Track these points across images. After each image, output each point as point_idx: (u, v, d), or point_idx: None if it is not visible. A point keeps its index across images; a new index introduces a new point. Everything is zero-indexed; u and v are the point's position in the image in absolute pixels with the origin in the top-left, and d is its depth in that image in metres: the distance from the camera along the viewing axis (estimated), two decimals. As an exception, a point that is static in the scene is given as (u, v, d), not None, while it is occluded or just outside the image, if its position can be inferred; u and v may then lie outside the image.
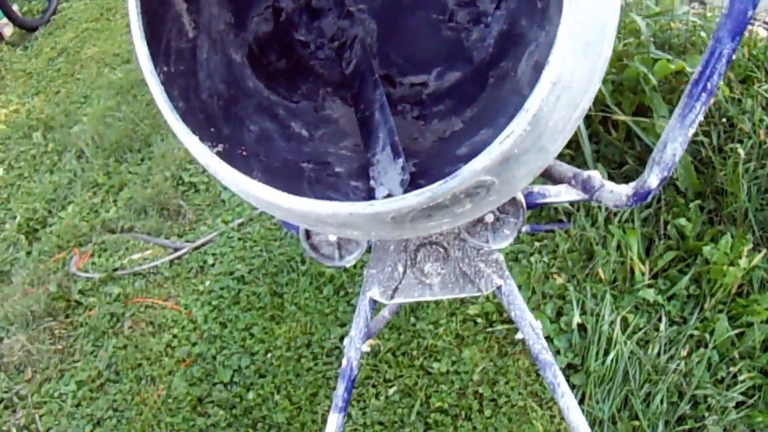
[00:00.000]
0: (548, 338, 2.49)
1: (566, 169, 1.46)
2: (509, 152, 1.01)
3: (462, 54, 1.72)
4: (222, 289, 3.02)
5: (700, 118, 1.22)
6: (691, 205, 2.66)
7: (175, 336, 2.89)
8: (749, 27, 3.25)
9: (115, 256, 3.35)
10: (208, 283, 3.08)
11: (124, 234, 3.49)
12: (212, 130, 1.30)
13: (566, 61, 0.99)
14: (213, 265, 3.16)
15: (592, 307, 2.51)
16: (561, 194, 1.42)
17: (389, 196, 1.30)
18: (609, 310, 2.46)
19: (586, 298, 2.53)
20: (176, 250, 3.28)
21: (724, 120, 2.75)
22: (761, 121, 2.69)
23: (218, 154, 1.25)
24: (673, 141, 1.24)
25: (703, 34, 2.82)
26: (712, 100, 2.73)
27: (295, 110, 1.62)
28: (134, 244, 3.41)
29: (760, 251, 2.53)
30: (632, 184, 1.32)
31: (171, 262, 3.24)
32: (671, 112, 2.72)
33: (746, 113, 2.68)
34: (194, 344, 2.82)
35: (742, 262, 2.42)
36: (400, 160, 1.32)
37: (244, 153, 1.34)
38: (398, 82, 1.75)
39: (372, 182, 1.37)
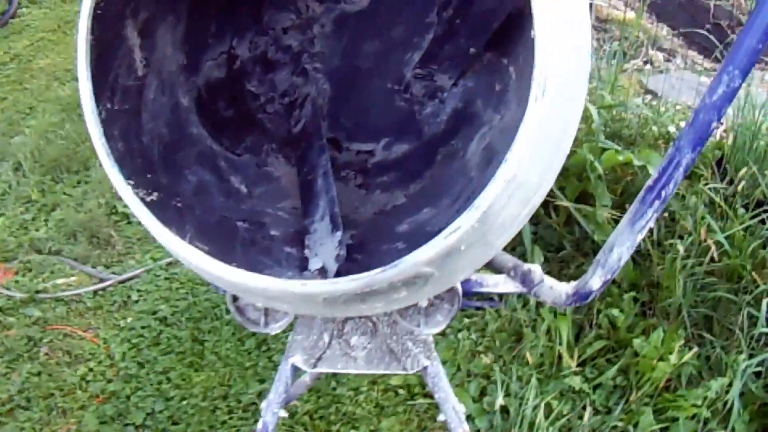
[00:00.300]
0: (470, 417, 2.44)
1: (507, 259, 1.43)
2: (453, 246, 0.97)
3: (413, 127, 1.69)
4: (143, 327, 2.92)
5: (651, 224, 1.20)
6: (625, 296, 2.65)
7: (90, 369, 2.78)
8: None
9: (40, 278, 3.24)
10: (129, 319, 2.98)
11: (51, 256, 3.37)
12: (149, 176, 1.24)
13: (523, 160, 0.96)
14: (137, 301, 3.07)
15: (516, 390, 2.47)
16: (499, 285, 1.39)
17: (323, 269, 1.25)
18: (533, 394, 2.43)
19: (511, 380, 2.50)
20: (102, 280, 3.18)
21: (666, 214, 2.77)
22: (703, 218, 2.70)
23: (152, 203, 1.19)
24: (621, 245, 1.21)
25: (654, 128, 2.85)
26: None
27: (237, 163, 1.57)
28: (60, 268, 3.30)
29: (691, 348, 2.53)
30: (573, 284, 1.29)
31: (95, 292, 3.13)
32: (614, 201, 2.74)
33: (689, 209, 2.70)
34: (109, 381, 2.72)
35: (672, 357, 2.41)
36: (338, 234, 1.28)
37: (179, 205, 1.29)
38: (345, 148, 1.71)
39: (307, 251, 1.32)
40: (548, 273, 2.83)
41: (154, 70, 1.37)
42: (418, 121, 1.68)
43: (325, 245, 1.30)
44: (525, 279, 1.35)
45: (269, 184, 1.59)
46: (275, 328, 1.42)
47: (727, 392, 2.41)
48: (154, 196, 1.21)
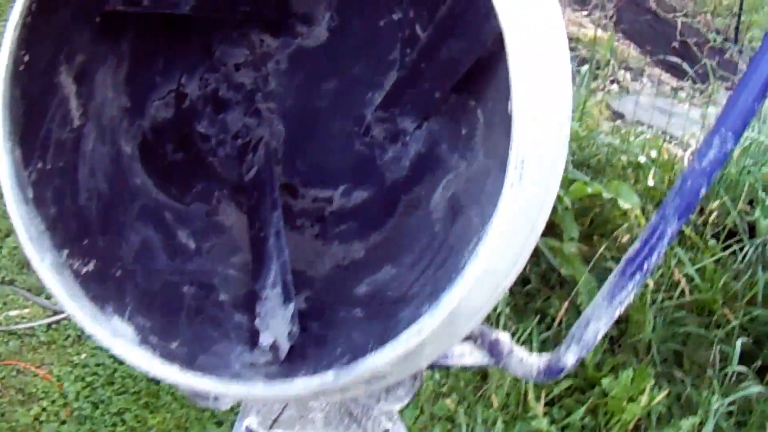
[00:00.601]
0: (433, 465, 2.35)
1: (472, 325, 1.33)
2: (414, 347, 0.87)
3: (373, 172, 1.58)
4: (97, 365, 2.79)
5: (630, 299, 1.11)
6: (595, 331, 2.56)
7: (44, 409, 2.65)
8: (663, 145, 3.24)
9: (-8, 309, 3.11)
10: (83, 355, 2.85)
11: (4, 286, 3.24)
12: (85, 242, 1.12)
13: (496, 252, 0.86)
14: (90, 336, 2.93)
15: (482, 434, 2.38)
16: (465, 356, 1.28)
17: (274, 345, 1.14)
18: (500, 438, 2.34)
19: (476, 423, 2.40)
20: (55, 313, 3.04)
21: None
22: (673, 251, 2.64)
23: (86, 276, 1.07)
24: (597, 320, 1.12)
25: (624, 157, 2.77)
26: (625, 224, 2.68)
27: (185, 214, 1.45)
28: (13, 299, 3.17)
29: (660, 386, 2.46)
30: (545, 358, 1.19)
31: (48, 326, 3.00)
32: (581, 233, 2.66)
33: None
34: (63, 422, 2.59)
35: (643, 399, 2.33)
36: (291, 307, 1.17)
37: (119, 273, 1.17)
38: (301, 195, 1.60)
39: (257, 321, 1.21)
40: (514, 306, 2.76)
41: (92, 117, 1.25)
42: (378, 166, 1.58)
43: (277, 318, 1.19)
44: (493, 349, 1.25)
45: (220, 236, 1.48)
46: (225, 404, 1.31)
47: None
48: (91, 265, 1.09)
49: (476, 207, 1.25)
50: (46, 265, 0.97)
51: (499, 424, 2.41)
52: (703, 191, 1.04)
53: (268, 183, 1.46)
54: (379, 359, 0.88)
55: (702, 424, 2.40)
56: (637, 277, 1.09)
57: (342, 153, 1.60)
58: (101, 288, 1.07)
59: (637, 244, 1.09)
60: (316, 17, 1.58)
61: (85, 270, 1.08)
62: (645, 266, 1.08)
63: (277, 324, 1.18)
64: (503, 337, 1.24)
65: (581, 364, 2.52)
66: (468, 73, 1.35)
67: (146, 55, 1.46)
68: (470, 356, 1.28)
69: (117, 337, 0.98)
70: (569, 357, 1.16)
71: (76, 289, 0.99)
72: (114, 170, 1.32)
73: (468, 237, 1.20)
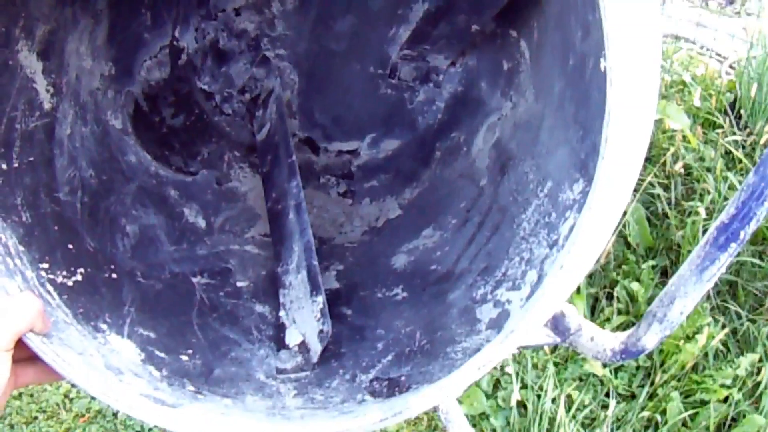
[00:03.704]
0: (484, 415, 2.20)
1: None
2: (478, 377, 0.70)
3: (404, 118, 1.39)
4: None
5: (722, 271, 0.92)
6: (644, 265, 2.39)
7: (74, 385, 2.54)
8: (703, 60, 3.01)
9: None
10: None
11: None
12: (70, 247, 0.94)
13: (593, 243, 0.69)
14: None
15: (532, 381, 2.22)
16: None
17: (303, 345, 0.96)
18: (552, 385, 2.18)
19: (526, 370, 2.25)
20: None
21: (682, 170, 2.49)
22: (723, 176, 2.44)
23: (75, 286, 0.90)
24: (684, 296, 0.93)
25: (666, 76, 2.55)
26: (672, 149, 2.48)
27: (192, 187, 1.27)
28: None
29: (717, 321, 2.29)
30: (622, 337, 1.01)
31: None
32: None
33: (709, 170, 2.43)
34: (93, 398, 2.47)
35: (701, 339, 2.16)
36: (320, 300, 0.99)
37: (114, 276, 0.99)
38: (323, 149, 1.42)
39: (282, 315, 1.03)
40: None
41: (67, 95, 1.06)
42: (409, 111, 1.39)
43: (304, 310, 1.01)
44: (558, 325, 1.06)
45: (234, 205, 1.30)
46: None
47: (759, 371, 2.17)
48: (78, 275, 0.91)
49: (530, 160, 1.07)
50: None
51: (551, 369, 2.26)
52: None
53: (282, 144, 1.27)
54: (430, 397, 0.70)
55: (761, 361, 2.24)
56: (732, 247, 0.90)
57: (366, 99, 1.41)
58: (93, 299, 0.89)
59: (731, 209, 0.89)
60: (323, -57, 1.37)
61: (72, 281, 0.90)
62: (742, 234, 0.89)
63: (304, 318, 1.00)
64: (569, 311, 1.05)
65: (632, 298, 2.36)
66: (509, 3, 1.15)
67: (129, 8, 1.26)
68: (532, 335, 1.10)
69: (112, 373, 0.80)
70: (650, 338, 0.98)
71: (58, 312, 0.81)
72: (101, 152, 1.13)
73: (526, 198, 1.01)
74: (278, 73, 1.41)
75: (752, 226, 0.88)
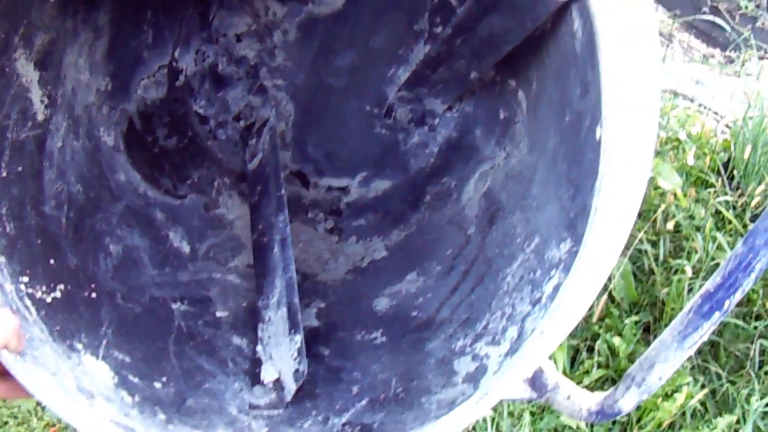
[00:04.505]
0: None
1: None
2: None
3: (396, 159, 1.39)
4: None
5: (704, 339, 0.92)
6: (627, 320, 2.38)
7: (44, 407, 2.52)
8: (700, 118, 3.02)
9: None
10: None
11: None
12: (52, 262, 0.93)
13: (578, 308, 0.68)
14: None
15: (508, 429, 2.21)
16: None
17: (278, 382, 0.95)
18: (527, 433, 2.17)
19: (502, 417, 2.23)
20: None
21: (671, 227, 2.49)
22: (712, 236, 2.44)
23: (54, 302, 0.88)
24: (664, 362, 0.93)
25: (662, 133, 2.56)
26: (663, 207, 2.48)
27: (179, 211, 1.26)
28: None
29: (697, 381, 2.28)
30: (599, 398, 1.00)
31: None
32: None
33: (698, 229, 2.43)
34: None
35: (679, 398, 2.15)
36: (298, 339, 0.98)
37: (94, 295, 0.97)
38: (313, 183, 1.41)
39: (259, 349, 1.02)
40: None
41: (61, 108, 1.05)
42: (402, 152, 1.38)
43: (282, 347, 1.00)
44: (535, 381, 1.05)
45: (220, 232, 1.29)
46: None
47: (736, 432, 2.17)
48: (57, 292, 0.90)
49: (519, 213, 1.06)
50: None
51: (526, 417, 2.23)
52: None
53: (273, 175, 1.27)
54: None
55: (739, 423, 2.23)
56: (716, 316, 0.90)
57: (360, 137, 1.40)
58: (70, 318, 0.88)
59: (717, 278, 0.89)
60: (329, -22, 1.37)
61: (51, 298, 0.88)
62: (726, 304, 0.89)
63: (282, 355, 0.99)
64: (548, 367, 1.04)
65: (613, 352, 2.35)
66: (510, 52, 1.15)
67: (131, 25, 1.25)
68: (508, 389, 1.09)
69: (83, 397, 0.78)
70: (627, 401, 0.97)
71: (34, 328, 0.80)
72: (91, 168, 1.12)
73: (512, 252, 1.01)
74: (275, 103, 1.40)
75: (737, 296, 0.88)
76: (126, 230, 1.12)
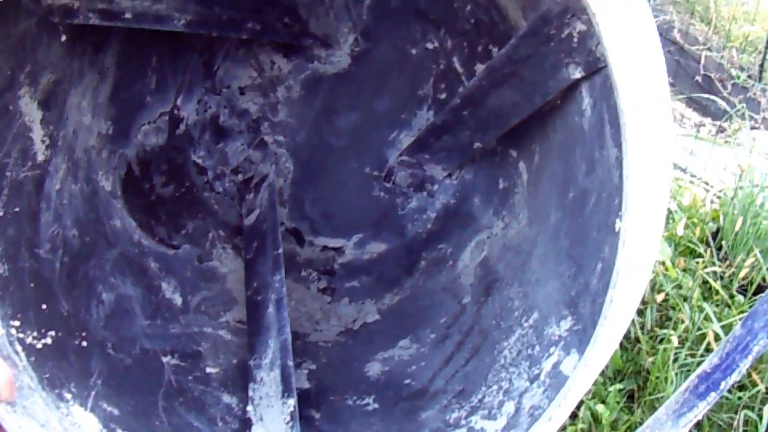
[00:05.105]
0: None
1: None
2: None
3: (393, 223, 1.38)
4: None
5: (699, 418, 0.91)
6: (611, 387, 2.37)
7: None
8: (690, 188, 3.04)
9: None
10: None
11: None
12: (44, 307, 0.92)
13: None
14: None
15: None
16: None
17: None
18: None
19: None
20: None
21: (659, 296, 2.49)
22: (700, 306, 2.44)
23: (44, 349, 0.87)
24: (660, 438, 0.92)
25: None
26: (652, 276, 2.48)
27: (173, 261, 1.25)
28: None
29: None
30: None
31: None
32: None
33: (685, 299, 2.43)
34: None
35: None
36: (291, 403, 0.97)
37: (85, 344, 0.96)
38: (308, 242, 1.40)
39: (250, 409, 1.01)
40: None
41: (62, 150, 1.04)
42: (400, 216, 1.38)
43: (273, 409, 0.99)
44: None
45: (212, 285, 1.28)
46: None
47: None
48: (48, 338, 0.89)
49: (517, 286, 1.06)
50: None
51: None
52: (806, 304, 0.85)
53: (271, 233, 1.26)
54: None
55: (722, 496, 2.21)
56: (712, 396, 0.90)
57: (358, 198, 1.40)
58: (60, 366, 0.86)
59: (715, 359, 0.89)
60: (337, 39, 1.37)
61: (41, 344, 0.87)
62: (722, 385, 0.90)
63: (273, 417, 0.97)
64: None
65: (596, 419, 2.33)
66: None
67: (136, 69, 1.25)
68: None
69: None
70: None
71: (24, 375, 0.79)
72: (88, 212, 1.11)
73: (509, 325, 1.00)
74: (274, 159, 1.40)
75: (734, 378, 0.88)
76: (119, 278, 1.11)
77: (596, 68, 0.88)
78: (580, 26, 0.88)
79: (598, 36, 0.71)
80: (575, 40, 0.89)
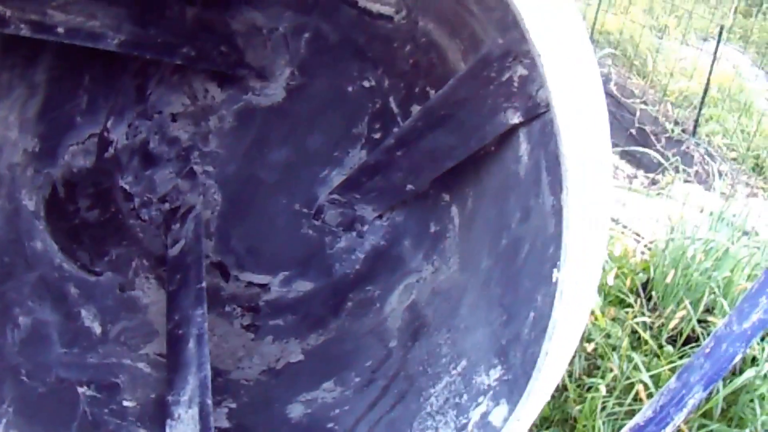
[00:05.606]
0: None
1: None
2: None
3: (321, 262, 1.36)
4: None
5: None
6: (537, 437, 2.35)
7: None
8: (621, 239, 3.07)
9: None
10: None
11: None
12: None
13: None
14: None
15: None
16: None
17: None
18: None
19: None
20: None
21: (587, 345, 2.50)
22: (629, 357, 2.45)
23: None
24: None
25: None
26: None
27: (94, 288, 1.21)
28: None
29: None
30: None
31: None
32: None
33: (614, 348, 2.44)
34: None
35: None
36: None
37: None
38: (233, 276, 1.37)
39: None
40: None
41: None
42: (328, 256, 1.36)
43: (192, 447, 0.94)
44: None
45: (133, 316, 1.23)
46: None
47: None
48: None
49: (445, 332, 1.03)
50: None
51: None
52: (738, 357, 0.84)
53: (194, 266, 1.22)
54: None
55: None
56: (645, 450, 0.88)
57: (286, 235, 1.37)
58: None
59: (649, 412, 0.88)
60: (273, 72, 1.35)
61: None
62: (655, 440, 0.88)
63: (191, 452, 0.93)
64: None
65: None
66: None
67: (67, 88, 1.21)
68: None
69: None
70: None
71: None
72: (8, 232, 1.07)
73: (437, 372, 0.98)
74: (203, 189, 1.37)
75: (668, 431, 0.87)
76: (37, 302, 1.07)
77: (536, 114, 0.87)
78: (522, 70, 0.87)
79: (542, 78, 0.70)
80: (515, 84, 0.88)
